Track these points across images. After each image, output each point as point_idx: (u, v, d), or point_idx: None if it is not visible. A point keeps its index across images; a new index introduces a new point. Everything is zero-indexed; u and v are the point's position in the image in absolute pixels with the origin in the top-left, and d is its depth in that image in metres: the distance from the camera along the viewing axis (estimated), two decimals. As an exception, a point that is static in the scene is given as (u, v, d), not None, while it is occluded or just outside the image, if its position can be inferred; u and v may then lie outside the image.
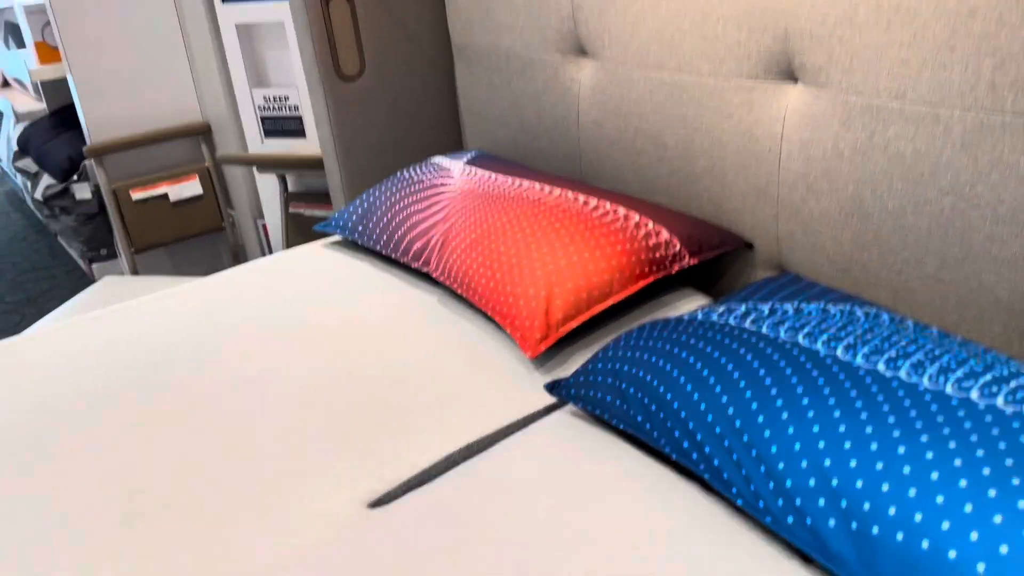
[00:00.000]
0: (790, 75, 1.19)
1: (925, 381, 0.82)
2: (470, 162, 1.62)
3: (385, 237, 1.52)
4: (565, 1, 1.51)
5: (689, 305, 1.32)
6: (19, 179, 3.21)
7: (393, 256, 1.50)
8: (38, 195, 2.84)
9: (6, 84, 3.41)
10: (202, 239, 2.84)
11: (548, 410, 1.13)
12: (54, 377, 1.26)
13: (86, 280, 3.22)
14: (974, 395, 0.79)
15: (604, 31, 1.45)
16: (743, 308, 1.04)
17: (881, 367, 0.85)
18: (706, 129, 1.33)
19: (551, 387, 1.10)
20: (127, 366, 1.27)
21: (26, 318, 2.99)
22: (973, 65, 0.96)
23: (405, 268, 1.55)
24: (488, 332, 1.29)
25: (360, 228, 1.58)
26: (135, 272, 2.62)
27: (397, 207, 1.53)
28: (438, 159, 1.68)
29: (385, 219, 1.53)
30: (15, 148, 3.07)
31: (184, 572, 0.87)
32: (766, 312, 1.01)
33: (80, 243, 2.85)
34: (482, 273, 1.28)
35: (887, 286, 1.14)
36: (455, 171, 1.59)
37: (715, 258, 1.41)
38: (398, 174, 1.66)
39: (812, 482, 0.77)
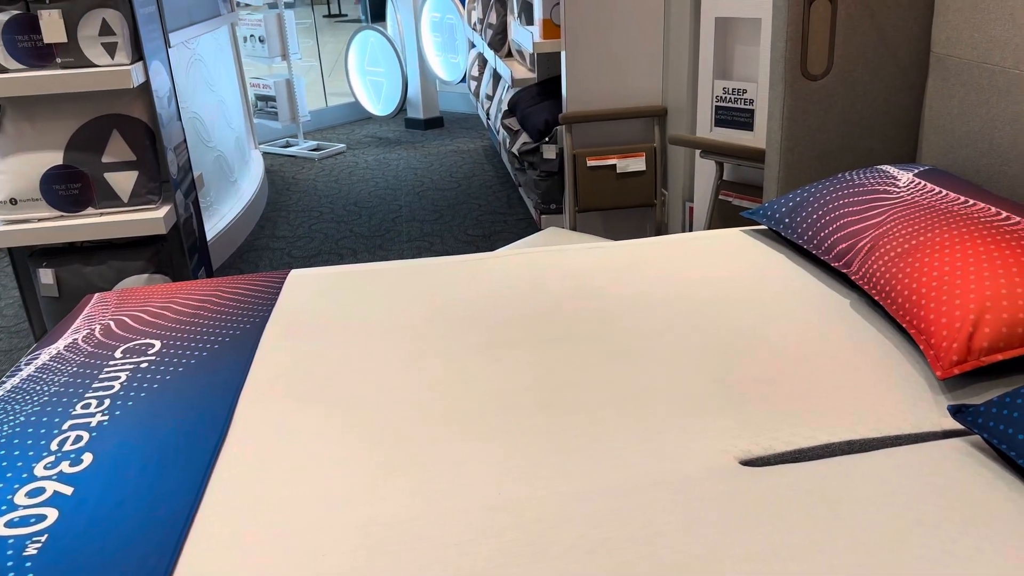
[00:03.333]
0: None
1: None
2: (920, 175, 1.56)
3: (810, 233, 1.54)
4: (1080, 17, 1.36)
5: None
6: (501, 134, 3.80)
7: (814, 252, 1.52)
8: (515, 149, 3.35)
9: (509, 54, 4.03)
10: (634, 211, 3.09)
11: (946, 435, 1.08)
12: (502, 290, 1.54)
13: (532, 228, 3.71)
14: None
15: (1123, 53, 1.29)
16: None
17: None
18: None
19: (956, 411, 1.05)
20: (557, 292, 1.50)
21: (480, 249, 3.55)
22: None
23: (823, 267, 1.56)
24: (897, 344, 1.27)
25: (787, 220, 1.62)
26: (574, 228, 2.97)
27: (830, 206, 1.54)
28: (885, 167, 1.65)
29: (815, 216, 1.56)
30: (505, 108, 3.64)
31: (572, 468, 1.03)
32: None
33: (537, 195, 3.30)
34: (906, 284, 1.25)
35: None
36: (902, 180, 1.54)
37: None
38: (839, 175, 1.66)
39: None
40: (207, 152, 3.58)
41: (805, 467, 1.01)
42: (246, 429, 1.12)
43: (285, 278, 1.61)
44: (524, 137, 3.31)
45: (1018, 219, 1.30)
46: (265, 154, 5.28)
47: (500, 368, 1.25)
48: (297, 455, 1.06)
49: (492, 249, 3.54)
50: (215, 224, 3.54)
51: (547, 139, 3.22)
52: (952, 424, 1.09)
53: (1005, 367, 1.18)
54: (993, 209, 1.35)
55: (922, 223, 1.34)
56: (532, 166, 3.27)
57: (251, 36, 5.08)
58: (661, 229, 3.00)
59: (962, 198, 1.41)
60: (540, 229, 3.51)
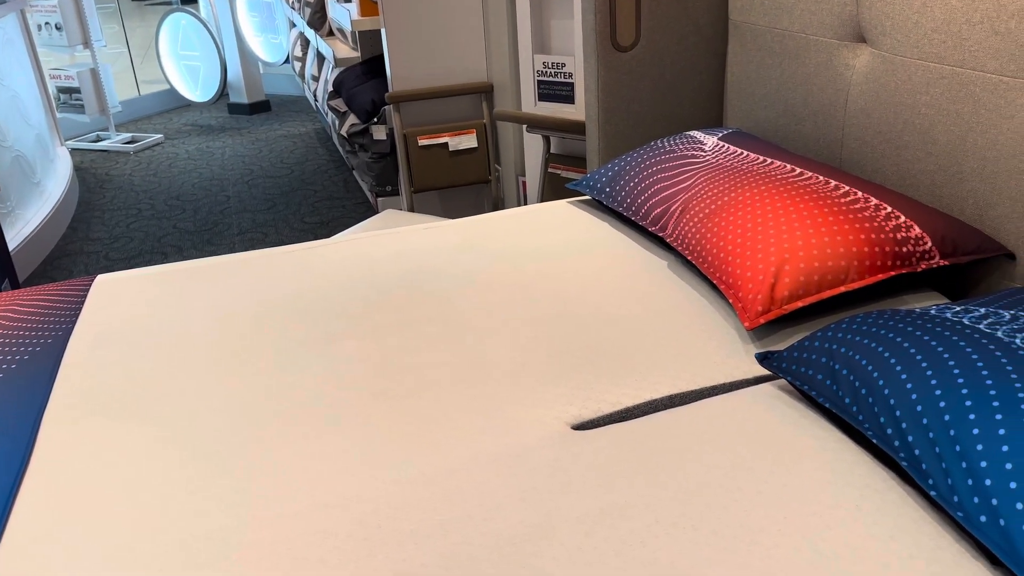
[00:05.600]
0: (1089, 76, 1.10)
1: None
2: (724, 138, 1.65)
3: (629, 200, 1.60)
4: (850, -16, 1.48)
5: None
6: (330, 117, 3.70)
7: (633, 219, 1.58)
8: (343, 131, 3.26)
9: (331, 33, 3.91)
10: (470, 188, 3.10)
11: (757, 380, 1.16)
12: (340, 276, 1.50)
13: (371, 212, 3.65)
14: None
15: (887, 18, 1.41)
16: (982, 311, 1.00)
17: (1124, 389, 0.79)
18: (981, 129, 1.26)
19: (762, 358, 1.13)
20: (390, 276, 1.48)
21: (318, 237, 3.46)
22: None
23: (643, 232, 1.63)
24: (711, 300, 1.34)
25: (607, 190, 1.68)
26: (412, 209, 2.94)
27: (645, 173, 1.60)
28: (693, 132, 1.73)
29: (631, 184, 1.61)
30: (330, 89, 3.54)
31: (408, 453, 1.02)
32: (1007, 317, 0.97)
33: (371, 178, 3.24)
34: (714, 243, 1.32)
35: None
36: (708, 144, 1.62)
37: (969, 264, 1.34)
38: (652, 143, 1.73)
39: (1013, 485, 0.75)
40: (2, 153, 3.26)
41: (631, 425, 1.05)
42: (51, 453, 1.03)
43: (90, 285, 1.49)
44: (352, 118, 3.23)
45: (810, 174, 1.40)
46: (73, 150, 4.88)
47: (332, 360, 1.22)
48: (107, 475, 0.99)
49: (331, 236, 3.45)
50: (19, 231, 3.23)
51: (376, 120, 3.16)
52: (762, 370, 1.16)
53: (805, 313, 1.28)
54: (788, 166, 1.45)
55: (726, 184, 1.42)
56: (363, 148, 3.21)
57: (46, 24, 4.65)
58: (498, 204, 3.03)
59: (761, 158, 1.51)
60: (378, 212, 3.46)
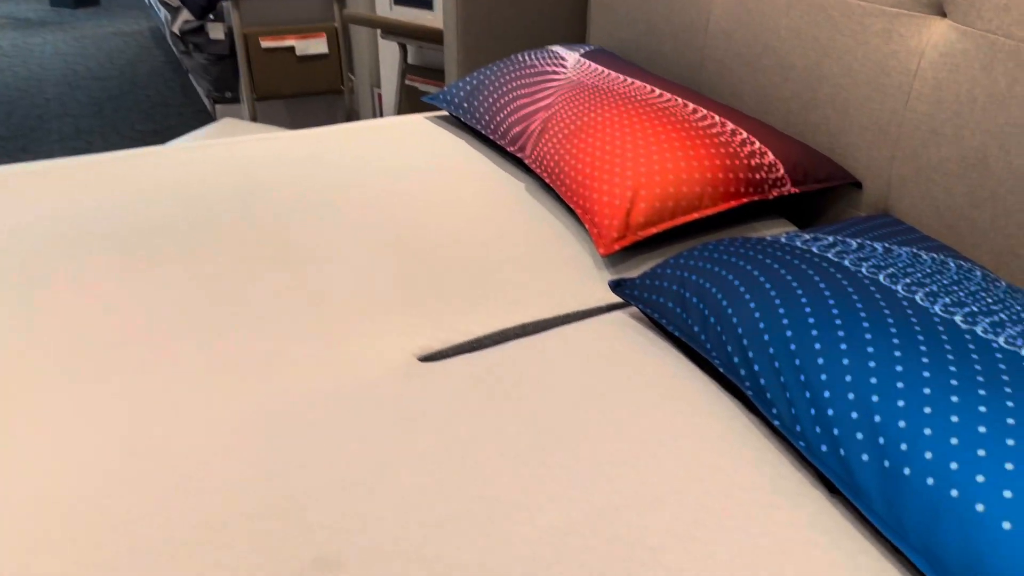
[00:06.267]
0: (939, 8, 1.10)
1: (1001, 341, 0.77)
2: (586, 55, 1.59)
3: (487, 118, 1.51)
4: None
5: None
6: (162, 12, 3.35)
7: (491, 137, 1.50)
8: (175, 29, 2.95)
9: (163, -82, 3.51)
10: (321, 100, 2.90)
11: (610, 308, 1.13)
12: (161, 191, 1.34)
13: (210, 120, 3.36)
14: (1051, 364, 0.74)
15: (751, -65, 1.37)
16: (830, 239, 1.00)
17: (958, 319, 0.81)
18: (837, 55, 1.25)
19: (615, 285, 1.10)
20: (222, 192, 1.33)
21: (149, 147, 3.16)
22: None
23: (502, 152, 1.55)
24: (568, 225, 1.29)
25: (465, 105, 1.58)
26: (254, 119, 2.72)
27: (504, 89, 1.52)
28: (555, 47, 1.65)
29: (490, 100, 1.53)
30: (163, -18, 3.19)
31: (232, 394, 0.93)
32: (854, 246, 0.97)
33: (208, 82, 2.97)
34: (572, 165, 1.27)
35: (991, 248, 1.07)
36: (569, 61, 1.55)
37: (817, 192, 1.35)
38: (512, 57, 1.64)
39: (854, 415, 0.75)
40: None
41: (480, 355, 0.99)
42: None
43: None
44: (185, 14, 2.92)
45: (669, 96, 1.36)
46: None
47: (144, 288, 1.08)
48: None
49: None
50: None
51: (212, 16, 2.87)
52: (616, 298, 1.13)
53: (660, 240, 1.25)
54: (648, 87, 1.40)
55: (586, 104, 1.36)
56: (198, 48, 2.92)
57: None
58: (351, 117, 2.86)
59: (622, 77, 1.46)
60: (216, 120, 3.19)
